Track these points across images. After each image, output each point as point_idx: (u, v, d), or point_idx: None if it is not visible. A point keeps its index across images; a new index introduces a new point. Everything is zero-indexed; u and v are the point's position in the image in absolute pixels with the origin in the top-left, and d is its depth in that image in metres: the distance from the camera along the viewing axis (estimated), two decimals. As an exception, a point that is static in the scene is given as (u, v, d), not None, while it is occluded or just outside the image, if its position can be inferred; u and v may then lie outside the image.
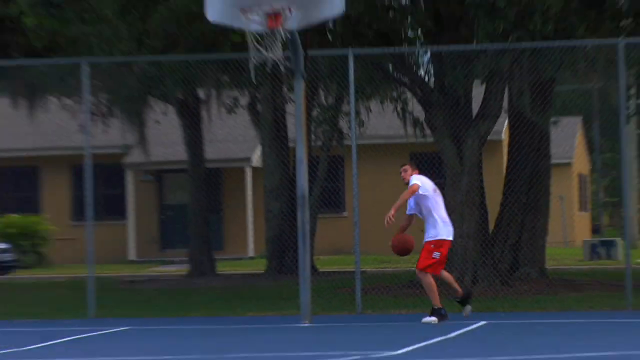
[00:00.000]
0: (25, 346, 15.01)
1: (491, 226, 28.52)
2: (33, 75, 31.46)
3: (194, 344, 15.81)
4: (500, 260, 27.54)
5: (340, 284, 25.33)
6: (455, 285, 18.14)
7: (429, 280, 17.74)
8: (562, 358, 11.46)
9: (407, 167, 18.26)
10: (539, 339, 15.41)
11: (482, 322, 18.13)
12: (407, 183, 17.72)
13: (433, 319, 17.50)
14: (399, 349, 13.23)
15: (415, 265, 18.55)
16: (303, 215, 18.75)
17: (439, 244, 17.70)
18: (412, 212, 18.02)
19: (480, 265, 26.19)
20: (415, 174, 17.95)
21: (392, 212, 17.01)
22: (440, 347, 14.18)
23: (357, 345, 14.94)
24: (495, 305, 22.34)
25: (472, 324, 17.68)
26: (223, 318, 21.86)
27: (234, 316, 21.88)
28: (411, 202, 17.87)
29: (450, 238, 17.93)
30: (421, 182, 17.68)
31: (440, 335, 15.34)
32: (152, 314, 23.43)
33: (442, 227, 17.74)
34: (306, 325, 18.39)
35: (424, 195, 17.67)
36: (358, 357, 12.13)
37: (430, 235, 17.61)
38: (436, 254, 17.69)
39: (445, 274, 18.06)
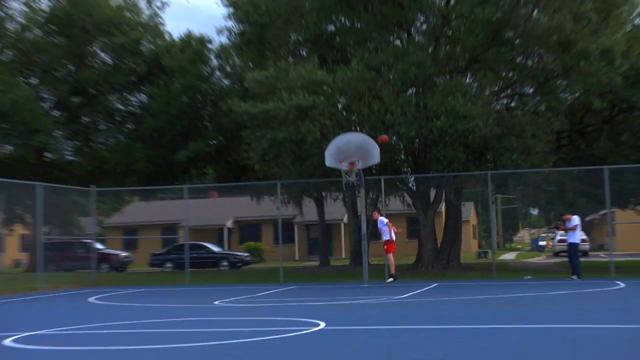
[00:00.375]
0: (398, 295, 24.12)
1: (439, 245, 40.14)
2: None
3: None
4: (442, 259, 39.17)
5: (379, 270, 31.66)
6: (390, 264, 28.79)
7: (391, 258, 28.47)
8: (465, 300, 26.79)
9: (376, 213, 30.38)
10: (455, 289, 27.62)
11: (435, 284, 27.94)
12: (376, 220, 29.27)
13: (391, 280, 28.27)
14: (404, 294, 25.02)
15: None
16: (364, 242, 30.18)
17: (388, 242, 28.47)
18: (383, 228, 28.65)
19: (434, 261, 38.02)
20: (377, 216, 29.70)
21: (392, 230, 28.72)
22: (424, 294, 23.51)
23: (384, 292, 27.06)
24: (440, 278, 33.10)
25: (431, 284, 27.63)
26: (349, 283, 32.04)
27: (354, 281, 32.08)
28: (380, 225, 28.71)
29: (392, 238, 28.50)
30: (380, 219, 28.93)
31: (418, 289, 25.26)
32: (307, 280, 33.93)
33: (389, 235, 28.49)
34: (366, 285, 28.30)
35: (383, 224, 28.55)
36: (385, 299, 24.77)
37: (386, 238, 28.53)
38: (391, 246, 28.41)
39: (390, 256, 28.64)
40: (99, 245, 48.45)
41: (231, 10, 39.86)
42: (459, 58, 34.94)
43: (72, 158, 53.31)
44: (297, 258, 66.21)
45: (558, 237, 56.76)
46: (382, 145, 28.49)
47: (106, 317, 17.81)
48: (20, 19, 51.26)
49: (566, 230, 30.22)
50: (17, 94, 45.73)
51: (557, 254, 58.06)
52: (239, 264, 49.56)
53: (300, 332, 13.10)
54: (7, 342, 12.98)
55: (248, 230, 67.37)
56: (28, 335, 14.02)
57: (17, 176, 40.25)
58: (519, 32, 33.49)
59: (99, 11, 49.51)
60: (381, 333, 13.29)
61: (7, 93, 45.13)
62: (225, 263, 49.10)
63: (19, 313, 20.21)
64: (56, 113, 52.12)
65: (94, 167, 49.89)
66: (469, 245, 65.69)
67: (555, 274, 32.80)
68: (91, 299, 24.65)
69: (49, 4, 50.84)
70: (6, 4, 50.91)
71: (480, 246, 71.58)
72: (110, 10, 50.09)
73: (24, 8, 50.90)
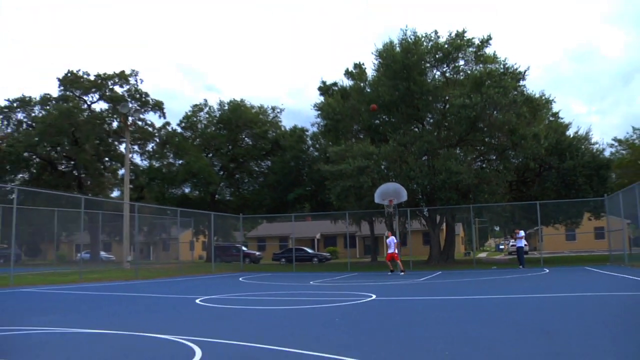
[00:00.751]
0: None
1: (441, 248, 38.67)
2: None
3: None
4: (444, 257, 37.66)
5: (405, 264, 29.17)
6: (399, 265, 26.35)
7: (394, 262, 26.52)
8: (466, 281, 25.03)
9: (389, 233, 27.91)
10: (452, 275, 28.56)
11: (440, 272, 27.30)
12: (387, 237, 27.26)
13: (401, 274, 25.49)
14: (422, 277, 29.60)
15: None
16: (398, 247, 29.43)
17: (392, 254, 26.51)
18: (390, 243, 26.62)
19: (439, 258, 36.83)
20: (389, 235, 27.33)
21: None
22: (434, 278, 23.24)
23: (409, 277, 27.73)
24: (443, 268, 32.06)
25: (437, 272, 26.91)
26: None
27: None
28: (389, 242, 26.67)
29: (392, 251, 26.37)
30: (390, 238, 26.76)
31: (430, 275, 25.31)
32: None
33: (393, 249, 26.47)
34: (399, 273, 29.70)
35: (389, 241, 26.62)
36: (410, 281, 27.45)
37: (390, 251, 26.61)
38: (392, 255, 26.43)
39: (396, 261, 26.35)
40: (244, 248, 48.99)
41: (319, 112, 40.40)
42: (452, 139, 34.75)
43: (229, 198, 54.29)
44: (357, 256, 65.76)
45: (511, 243, 56.88)
46: (373, 113, 32.02)
47: (250, 289, 17.86)
48: (204, 122, 52.60)
49: (515, 239, 30.40)
50: (201, 163, 47.58)
51: (510, 253, 57.29)
52: (324, 260, 49.20)
53: (361, 301, 12.99)
54: (197, 301, 13.36)
55: (329, 240, 67.18)
56: (209, 298, 14.26)
57: (200, 209, 41.40)
58: (486, 124, 33.17)
59: (245, 115, 51.13)
60: (410, 300, 13.28)
61: (196, 162, 46.66)
62: (315, 259, 48.90)
63: (202, 285, 20.36)
64: (221, 173, 52.86)
65: (241, 203, 50.71)
66: (459, 249, 64.68)
67: (510, 265, 32.28)
68: (241, 279, 24.76)
69: (219, 112, 52.34)
70: (199, 116, 52.77)
71: (465, 249, 70.30)
72: (251, 114, 51.55)
73: (206, 115, 52.49)
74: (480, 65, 34.59)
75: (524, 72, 33.65)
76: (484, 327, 8.39)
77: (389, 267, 26.60)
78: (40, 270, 33.07)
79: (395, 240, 26.55)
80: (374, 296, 14.02)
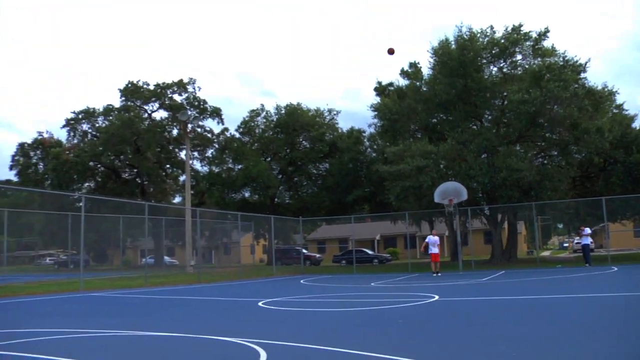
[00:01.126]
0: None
1: (503, 247, 37.50)
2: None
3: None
4: (506, 256, 36.49)
5: (466, 264, 30.25)
6: (435, 266, 26.21)
7: (437, 262, 26.34)
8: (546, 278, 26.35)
9: (434, 232, 28.25)
10: (515, 275, 28.56)
11: (503, 272, 26.48)
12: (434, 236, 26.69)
13: (438, 274, 25.26)
14: (484, 277, 29.46)
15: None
16: (459, 246, 29.69)
17: (433, 255, 26.35)
18: (431, 244, 26.29)
19: (501, 257, 35.86)
20: (434, 234, 27.33)
21: (422, 247, 27.34)
22: (496, 278, 23.16)
23: (472, 276, 29.12)
24: (506, 267, 31.65)
25: (500, 272, 26.60)
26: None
27: (453, 271, 29.84)
28: (429, 241, 26.37)
29: (436, 252, 26.19)
30: (431, 238, 26.60)
31: (493, 275, 25.53)
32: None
33: (434, 250, 26.24)
34: (461, 273, 27.90)
35: (433, 241, 26.25)
36: (473, 281, 27.81)
37: (431, 251, 26.38)
38: (432, 256, 26.35)
39: (434, 262, 26.33)
40: (304, 250, 48.90)
41: (375, 113, 39.94)
42: (511, 135, 33.92)
43: (288, 201, 54.71)
44: (418, 257, 64.94)
45: (576, 241, 55.54)
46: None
47: (311, 291, 17.99)
48: (261, 127, 53.32)
49: (581, 236, 30.09)
50: (260, 167, 48.10)
51: (575, 251, 55.68)
52: (384, 261, 48.86)
53: (424, 302, 12.92)
54: (260, 304, 13.47)
55: (389, 241, 66.64)
56: (271, 300, 14.36)
57: (260, 212, 42.11)
58: (546, 119, 32.65)
59: (302, 118, 51.34)
60: (474, 301, 13.21)
61: (255, 166, 47.29)
62: (376, 260, 48.56)
63: (264, 288, 20.57)
64: (279, 177, 53.36)
65: (300, 206, 50.95)
66: (522, 247, 63.26)
67: (575, 263, 31.37)
68: (302, 281, 24.92)
69: (276, 116, 52.89)
70: (256, 121, 53.47)
71: (528, 247, 68.80)
72: (308, 117, 51.69)
73: (263, 120, 53.39)
74: (539, 59, 33.96)
75: (585, 64, 32.85)
76: (552, 328, 8.19)
77: (436, 268, 26.32)
78: (107, 275, 33.93)
79: (438, 241, 26.44)
80: (436, 297, 13.92)
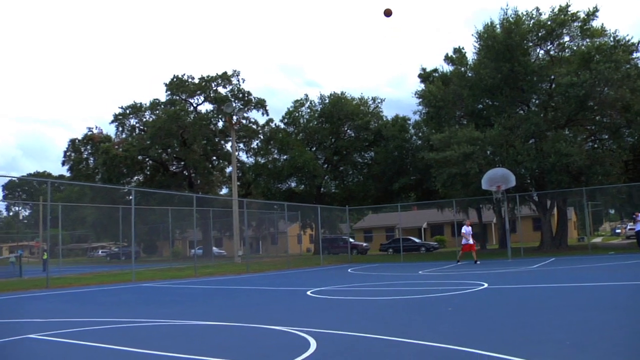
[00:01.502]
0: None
1: (553, 234, 37.12)
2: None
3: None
4: (556, 243, 36.00)
5: (516, 251, 29.98)
6: (460, 254, 26.86)
7: (467, 251, 26.01)
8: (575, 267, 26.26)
9: (467, 221, 27.08)
10: (566, 262, 27.46)
11: (553, 259, 26.27)
12: (468, 226, 26.13)
13: (478, 263, 24.59)
14: (534, 264, 28.90)
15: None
16: (508, 233, 28.96)
17: (466, 246, 25.88)
18: (467, 234, 25.77)
19: (551, 244, 35.32)
20: (467, 224, 26.44)
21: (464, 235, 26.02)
22: (546, 265, 23.50)
23: (522, 264, 28.74)
24: (555, 254, 31.29)
25: (550, 259, 27.00)
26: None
27: (501, 258, 31.30)
28: (465, 232, 25.85)
29: (471, 242, 25.85)
30: (466, 227, 26.08)
31: (543, 262, 26.08)
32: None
33: (469, 240, 25.77)
34: (509, 260, 27.83)
35: (467, 232, 25.79)
36: (523, 268, 27.37)
37: (465, 241, 25.94)
38: (471, 246, 25.73)
39: (464, 252, 26.09)
40: (351, 239, 49.17)
41: (420, 100, 39.76)
42: (560, 119, 33.39)
43: (334, 191, 54.63)
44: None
45: (629, 227, 54.69)
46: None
47: (359, 280, 17.92)
48: (306, 117, 53.35)
49: (635, 222, 29.65)
50: (305, 157, 48.03)
51: (628, 237, 54.18)
52: (431, 249, 48.55)
53: (473, 290, 12.83)
54: (308, 293, 13.57)
55: (436, 229, 66.24)
56: (319, 289, 14.46)
57: (306, 202, 42.19)
58: (596, 102, 31.95)
59: (346, 107, 50.93)
60: (524, 288, 12.96)
61: (301, 156, 47.39)
62: (423, 249, 48.32)
63: (311, 278, 20.60)
64: (325, 166, 53.31)
65: (347, 195, 50.86)
66: (572, 234, 62.03)
67: (629, 250, 30.73)
68: (350, 270, 24.85)
69: (320, 106, 52.75)
70: (301, 111, 53.31)
71: (578, 234, 67.37)
72: (352, 106, 51.28)
73: (307, 110, 53.45)
74: (588, 40, 33.18)
75: (638, 44, 32.04)
76: (606, 315, 8.04)
77: (473, 257, 25.61)
78: (157, 266, 34.73)
79: (471, 231, 25.99)
80: (485, 285, 13.79)
